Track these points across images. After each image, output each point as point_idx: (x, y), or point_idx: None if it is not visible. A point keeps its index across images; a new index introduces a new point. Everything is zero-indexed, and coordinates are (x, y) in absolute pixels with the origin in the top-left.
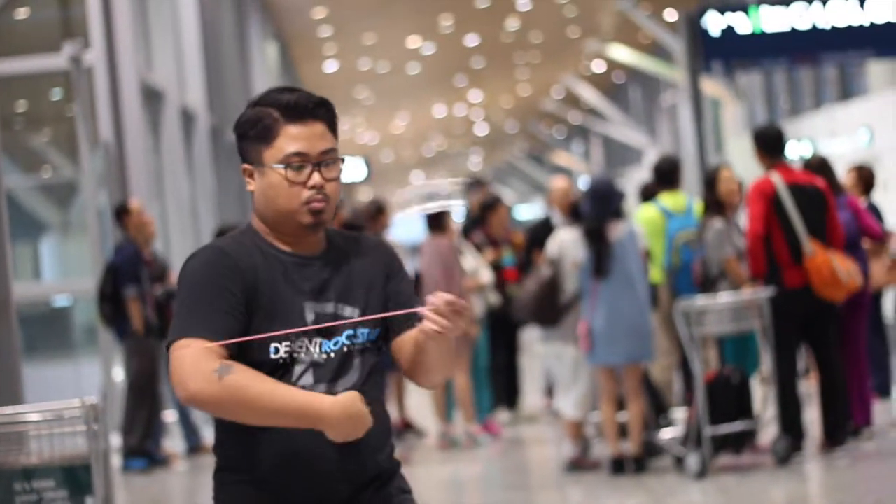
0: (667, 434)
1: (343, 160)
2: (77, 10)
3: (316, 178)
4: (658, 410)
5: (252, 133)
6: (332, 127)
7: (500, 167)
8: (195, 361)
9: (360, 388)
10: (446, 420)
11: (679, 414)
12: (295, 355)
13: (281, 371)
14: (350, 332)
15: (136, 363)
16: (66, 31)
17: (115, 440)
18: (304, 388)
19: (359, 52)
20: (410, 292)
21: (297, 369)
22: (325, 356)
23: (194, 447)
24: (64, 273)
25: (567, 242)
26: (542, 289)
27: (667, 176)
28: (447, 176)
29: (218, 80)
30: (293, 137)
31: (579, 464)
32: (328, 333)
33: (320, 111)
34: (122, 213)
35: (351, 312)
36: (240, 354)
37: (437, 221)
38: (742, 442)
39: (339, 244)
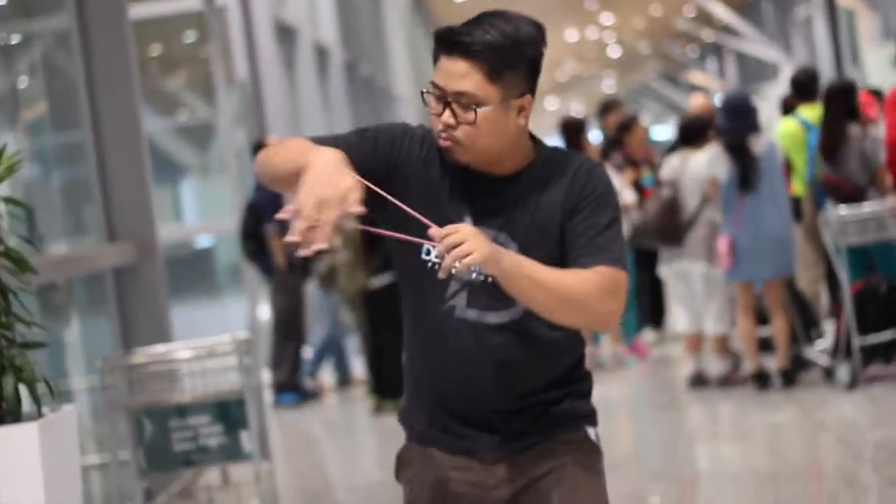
0: (817, 346)
1: (479, 106)
2: None
3: (445, 115)
4: (808, 323)
5: (433, 50)
6: (494, 69)
7: (634, 89)
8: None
9: (518, 324)
10: (593, 342)
11: (828, 326)
12: (452, 269)
13: (439, 283)
14: None
15: (282, 299)
16: None
17: (265, 376)
18: (453, 307)
19: None
20: (592, 230)
21: (453, 285)
22: (482, 278)
23: (344, 379)
24: (205, 214)
25: (693, 162)
26: (663, 209)
27: (805, 88)
28: (580, 100)
29: (350, 15)
30: (439, 67)
31: (731, 379)
32: None
33: (470, 50)
34: (260, 150)
35: (514, 247)
36: (396, 255)
37: (574, 140)
38: (892, 351)
39: (540, 167)
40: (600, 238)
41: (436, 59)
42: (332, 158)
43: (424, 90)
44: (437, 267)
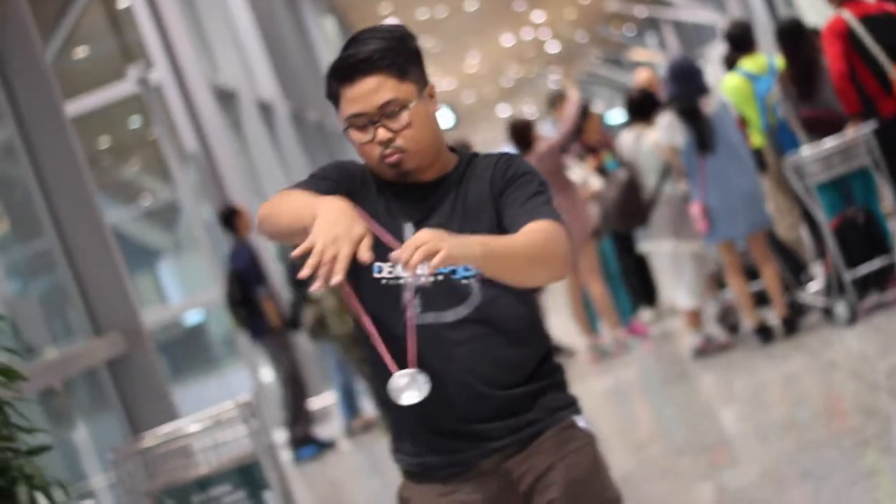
0: (809, 290)
1: (408, 105)
2: (132, 34)
3: (381, 133)
4: (796, 269)
5: (328, 97)
6: (399, 71)
7: (581, 79)
8: (275, 196)
9: (477, 315)
10: (592, 332)
11: (816, 267)
12: (401, 280)
13: (390, 294)
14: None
15: (284, 357)
16: (127, 57)
17: (281, 436)
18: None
19: (414, 2)
20: (521, 198)
21: (405, 297)
22: (432, 279)
23: (349, 425)
24: (188, 291)
25: (646, 139)
26: (622, 193)
27: (741, 41)
28: (531, 101)
29: (285, 66)
30: (349, 100)
31: (705, 350)
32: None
33: (372, 63)
34: (230, 217)
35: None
36: (350, 274)
37: (524, 140)
38: (885, 278)
39: (465, 167)
40: (530, 202)
41: (335, 97)
42: (342, 205)
43: (345, 128)
44: (393, 282)
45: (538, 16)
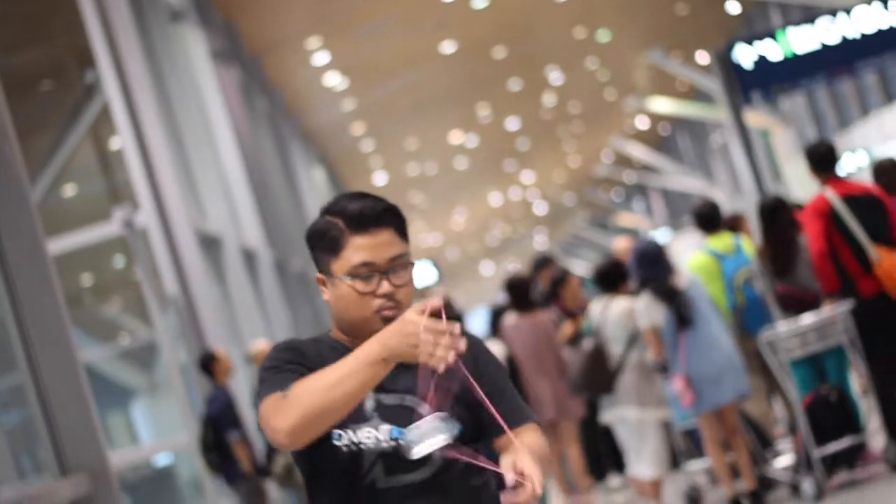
0: (778, 465)
1: (413, 264)
2: (121, 175)
3: (385, 286)
4: (763, 444)
5: (321, 244)
6: (402, 231)
7: (566, 241)
8: (267, 405)
9: (438, 476)
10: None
11: (785, 443)
12: (362, 445)
13: (352, 462)
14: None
15: (256, 502)
16: (115, 198)
17: None
18: (374, 481)
19: (404, 158)
20: (507, 388)
21: (367, 461)
22: (394, 443)
23: None
24: (160, 433)
25: (613, 309)
26: (587, 361)
27: (709, 221)
28: (515, 261)
29: (272, 214)
30: (359, 248)
31: None
32: (399, 421)
33: (387, 217)
34: (208, 362)
35: (424, 406)
36: (312, 444)
37: (522, 299)
38: (853, 457)
39: None
40: (515, 401)
41: (336, 245)
42: (388, 331)
43: (348, 278)
44: (354, 449)
45: (528, 177)
